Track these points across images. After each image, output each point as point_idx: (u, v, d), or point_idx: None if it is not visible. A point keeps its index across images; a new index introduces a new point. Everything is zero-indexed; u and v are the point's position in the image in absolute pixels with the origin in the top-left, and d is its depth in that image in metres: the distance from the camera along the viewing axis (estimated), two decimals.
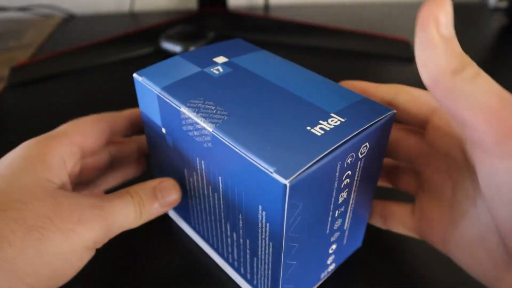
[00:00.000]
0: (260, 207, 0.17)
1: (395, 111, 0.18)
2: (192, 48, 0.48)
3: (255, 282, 0.21)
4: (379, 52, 0.49)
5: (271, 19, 0.58)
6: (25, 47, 0.54)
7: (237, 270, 0.22)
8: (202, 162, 0.19)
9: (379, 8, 0.65)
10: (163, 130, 0.21)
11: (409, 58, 0.48)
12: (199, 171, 0.20)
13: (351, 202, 0.20)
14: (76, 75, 0.45)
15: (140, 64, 0.47)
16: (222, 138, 0.17)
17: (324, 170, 0.16)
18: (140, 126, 0.25)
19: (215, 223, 0.21)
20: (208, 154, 0.18)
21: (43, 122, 0.38)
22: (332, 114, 0.18)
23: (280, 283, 0.19)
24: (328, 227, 0.19)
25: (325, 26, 0.55)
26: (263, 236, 0.18)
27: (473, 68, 0.14)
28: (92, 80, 0.45)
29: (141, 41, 0.51)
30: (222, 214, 0.20)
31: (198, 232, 0.24)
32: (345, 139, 0.16)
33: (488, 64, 0.47)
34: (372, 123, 0.17)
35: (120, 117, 0.24)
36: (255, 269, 0.20)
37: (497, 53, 0.50)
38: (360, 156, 0.18)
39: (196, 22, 0.56)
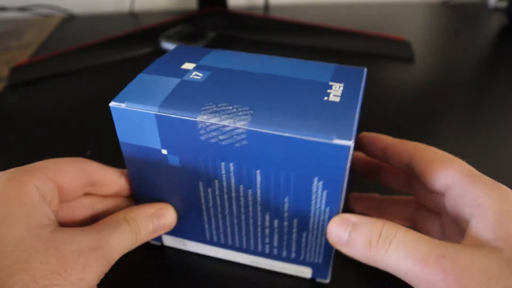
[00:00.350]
0: (315, 179, 0.18)
1: (366, 68, 0.22)
2: None
3: (302, 257, 0.22)
4: (379, 52, 0.49)
5: (271, 19, 0.58)
6: (25, 47, 0.54)
7: (277, 257, 0.22)
8: (230, 164, 0.19)
9: (379, 8, 0.65)
10: (164, 152, 0.20)
11: (409, 58, 0.48)
12: (224, 176, 0.19)
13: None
14: (76, 75, 0.45)
15: (140, 64, 0.47)
16: (263, 130, 0.17)
17: (356, 127, 0.18)
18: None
19: (245, 222, 0.21)
20: (240, 153, 0.18)
21: (43, 122, 0.38)
22: (330, 83, 0.20)
23: None
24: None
25: (325, 26, 0.55)
26: (317, 206, 0.19)
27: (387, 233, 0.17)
28: (92, 80, 0.44)
29: (141, 41, 0.51)
30: (259, 208, 0.20)
31: (216, 243, 0.23)
32: (360, 98, 0.19)
33: (488, 64, 0.47)
34: (362, 83, 0.20)
35: (105, 169, 0.22)
36: (303, 244, 0.21)
37: (497, 53, 0.50)
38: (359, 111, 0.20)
39: (196, 22, 0.56)
